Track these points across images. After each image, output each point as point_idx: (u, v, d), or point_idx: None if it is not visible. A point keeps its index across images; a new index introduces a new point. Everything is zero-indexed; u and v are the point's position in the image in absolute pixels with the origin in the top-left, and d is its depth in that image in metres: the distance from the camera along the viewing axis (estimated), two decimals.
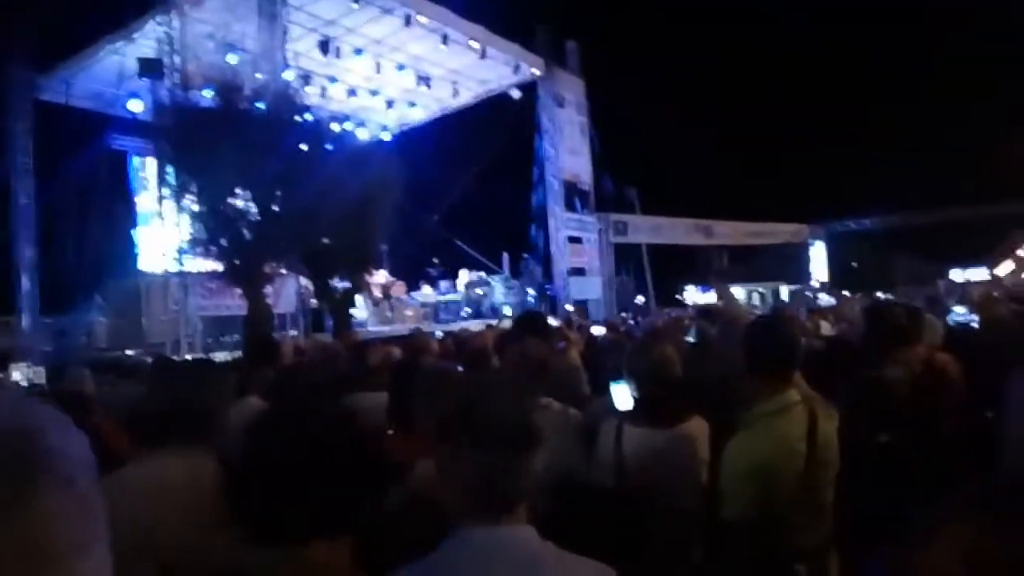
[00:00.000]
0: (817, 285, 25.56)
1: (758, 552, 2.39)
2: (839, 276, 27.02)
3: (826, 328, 7.36)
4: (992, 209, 24.71)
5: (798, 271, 28.92)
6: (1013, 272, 22.47)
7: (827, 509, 2.50)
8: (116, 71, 15.47)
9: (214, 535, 1.44)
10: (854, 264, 27.15)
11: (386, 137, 21.27)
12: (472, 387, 1.47)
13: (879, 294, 15.37)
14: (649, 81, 23.79)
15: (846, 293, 17.93)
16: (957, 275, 22.38)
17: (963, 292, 11.59)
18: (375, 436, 1.52)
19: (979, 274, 23.33)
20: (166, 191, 12.78)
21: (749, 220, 28.49)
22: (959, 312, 7.60)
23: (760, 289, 24.27)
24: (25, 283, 16.88)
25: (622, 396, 3.01)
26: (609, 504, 2.67)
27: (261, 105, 12.47)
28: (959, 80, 25.08)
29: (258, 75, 13.50)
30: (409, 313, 18.62)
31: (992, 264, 23.94)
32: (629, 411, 2.97)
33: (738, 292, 22.45)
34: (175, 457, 1.82)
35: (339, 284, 13.79)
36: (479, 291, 20.24)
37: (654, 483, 2.81)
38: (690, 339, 4.72)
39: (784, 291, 24.45)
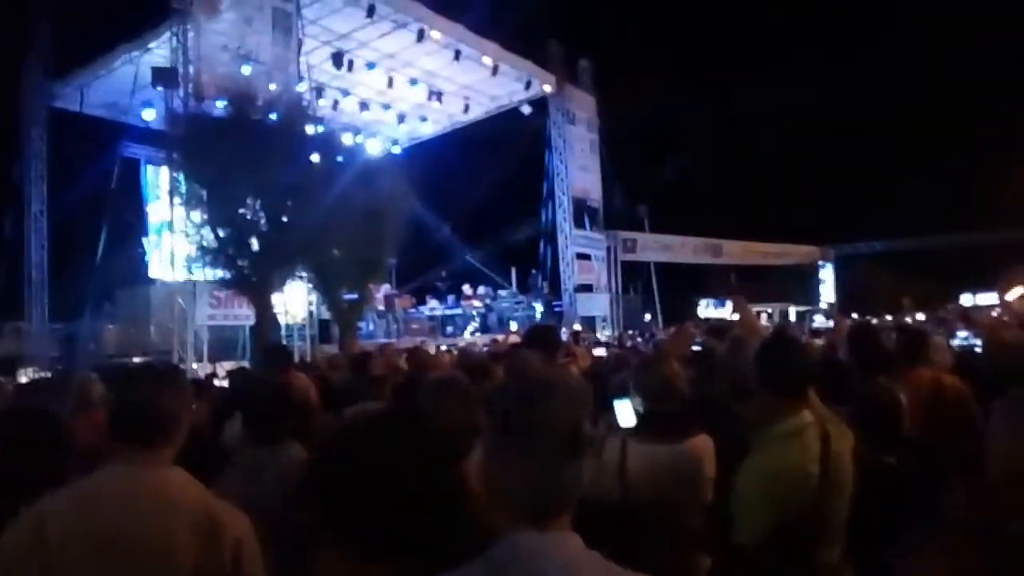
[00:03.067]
0: (825, 307, 25.43)
1: (769, 573, 2.35)
2: (848, 299, 26.91)
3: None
4: (1003, 235, 24.65)
5: (808, 293, 28.80)
6: (1022, 297, 22.33)
7: (840, 529, 2.46)
8: (130, 80, 15.59)
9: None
10: (862, 287, 26.99)
11: (397, 151, 21.37)
12: (533, 384, 1.39)
13: (888, 317, 15.25)
14: (661, 99, 23.80)
15: (855, 316, 17.78)
16: (967, 300, 22.22)
17: (967, 316, 11.51)
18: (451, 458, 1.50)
19: (989, 299, 23.15)
20: (177, 200, 12.83)
21: (760, 240, 28.49)
22: (962, 336, 7.56)
23: (768, 310, 24.15)
24: (35, 289, 16.97)
25: (625, 413, 2.99)
26: (613, 520, 2.65)
27: (274, 116, 12.56)
28: (967, 106, 25.05)
29: (271, 86, 13.61)
30: (415, 326, 18.64)
31: (1002, 290, 23.84)
32: (633, 427, 2.95)
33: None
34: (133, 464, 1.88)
35: (346, 296, 13.81)
36: (486, 305, 20.25)
37: (659, 499, 2.79)
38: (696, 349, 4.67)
39: (792, 312, 24.34)
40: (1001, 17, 23.49)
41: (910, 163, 26.72)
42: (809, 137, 28.24)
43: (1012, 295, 21.30)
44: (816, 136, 28.40)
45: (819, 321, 18.02)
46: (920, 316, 13.34)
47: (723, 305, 22.41)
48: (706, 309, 23.87)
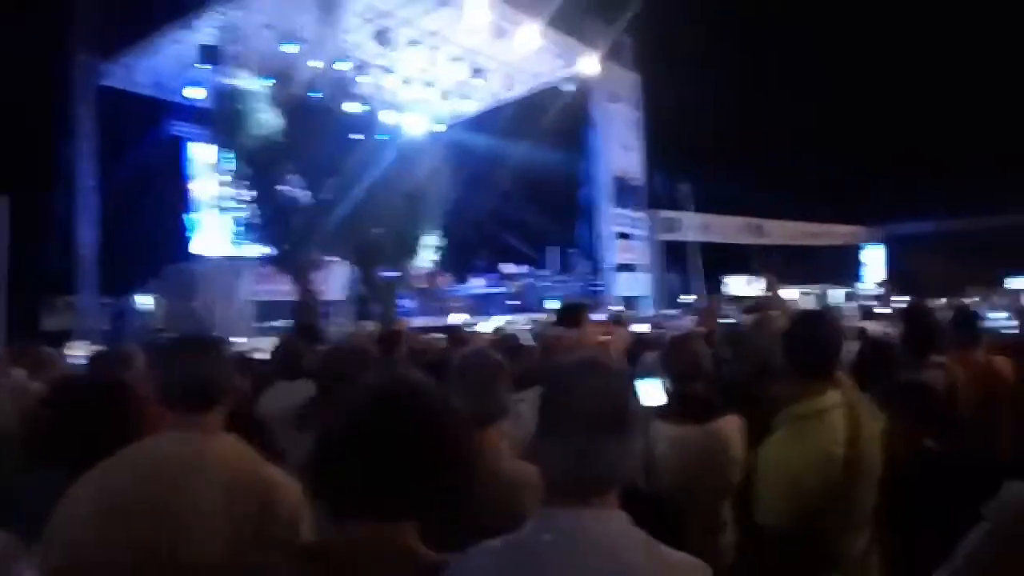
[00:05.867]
0: (871, 289, 24.89)
1: (791, 559, 2.30)
2: (898, 281, 26.29)
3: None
4: None
5: (851, 274, 28.28)
6: None
7: (867, 517, 2.39)
8: (176, 59, 15.82)
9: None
10: (912, 269, 26.32)
11: (439, 129, 21.34)
12: (563, 368, 1.42)
13: (942, 300, 14.84)
14: (705, 76, 23.36)
15: (906, 298, 17.32)
16: (1014, 283, 21.54)
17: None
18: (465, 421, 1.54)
19: None
20: (223, 177, 13.04)
21: (804, 220, 27.97)
22: (994, 317, 7.29)
23: (809, 291, 23.65)
24: (86, 264, 17.39)
25: (651, 393, 2.96)
26: (638, 503, 2.62)
27: (316, 94, 12.66)
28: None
29: (314, 63, 13.70)
30: (455, 304, 18.69)
31: None
32: (659, 407, 2.92)
33: (790, 293, 21.93)
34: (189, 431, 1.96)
35: (385, 273, 13.93)
36: (526, 284, 20.23)
37: (685, 482, 2.76)
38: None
39: (835, 294, 23.76)
40: None
41: (963, 141, 25.82)
42: (856, 110, 27.50)
43: None
44: (863, 109, 27.63)
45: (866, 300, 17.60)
46: (975, 298, 12.97)
47: (755, 280, 22.07)
48: (737, 286, 23.40)
